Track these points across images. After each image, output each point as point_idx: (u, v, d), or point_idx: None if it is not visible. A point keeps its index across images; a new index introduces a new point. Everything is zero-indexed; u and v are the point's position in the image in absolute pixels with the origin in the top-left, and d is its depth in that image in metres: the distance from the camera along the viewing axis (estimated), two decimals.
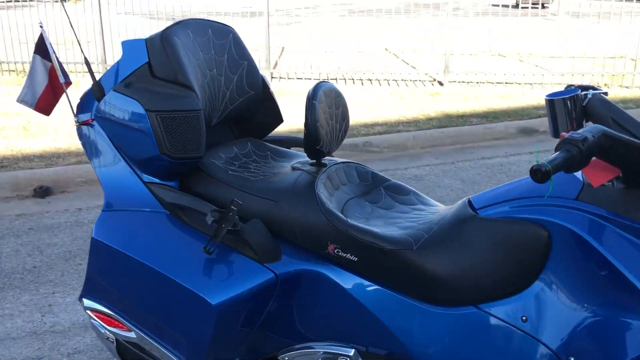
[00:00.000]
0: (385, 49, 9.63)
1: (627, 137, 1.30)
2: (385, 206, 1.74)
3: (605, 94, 1.61)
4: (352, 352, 1.60)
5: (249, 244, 1.56)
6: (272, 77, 7.74)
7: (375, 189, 1.81)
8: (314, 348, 1.65)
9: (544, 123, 5.51)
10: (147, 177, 1.70)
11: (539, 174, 1.13)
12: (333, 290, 1.59)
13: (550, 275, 1.42)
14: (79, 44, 1.92)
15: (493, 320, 1.45)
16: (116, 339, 1.82)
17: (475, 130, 5.56)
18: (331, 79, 7.76)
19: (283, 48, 9.30)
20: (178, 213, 1.65)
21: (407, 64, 8.68)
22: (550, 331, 1.40)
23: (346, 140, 5.51)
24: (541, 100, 6.02)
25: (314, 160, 1.74)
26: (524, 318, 1.42)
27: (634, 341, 1.25)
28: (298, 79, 7.80)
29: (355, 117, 5.36)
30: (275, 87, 7.46)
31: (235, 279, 1.55)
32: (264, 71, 7.64)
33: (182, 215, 1.65)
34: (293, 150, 2.00)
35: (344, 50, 8.90)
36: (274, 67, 8.04)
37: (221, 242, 1.57)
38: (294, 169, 1.75)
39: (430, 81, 7.73)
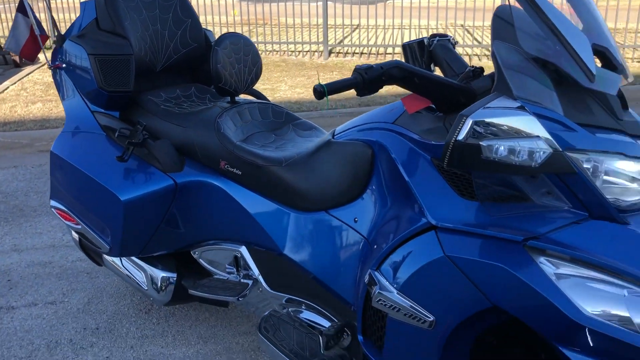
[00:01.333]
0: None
1: (422, 70, 1.58)
2: (287, 138, 2.10)
3: (450, 41, 1.88)
4: (242, 247, 2.01)
5: (155, 157, 2.00)
6: (330, 52, 8.10)
7: (285, 125, 2.17)
8: (219, 245, 2.08)
9: None
10: (93, 107, 2.19)
11: (316, 93, 1.48)
12: (224, 199, 2.00)
13: (374, 185, 1.74)
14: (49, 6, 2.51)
15: (335, 222, 1.79)
16: (79, 238, 2.35)
17: None
18: (387, 54, 8.00)
19: (344, 24, 9.61)
20: (109, 133, 2.13)
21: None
22: (368, 227, 1.73)
23: None
24: None
25: (229, 99, 2.15)
26: (356, 219, 1.75)
27: (405, 223, 1.58)
28: (355, 53, 8.13)
29: None
30: (331, 60, 7.84)
31: (142, 183, 2.00)
32: (322, 46, 8.04)
33: (111, 135, 2.12)
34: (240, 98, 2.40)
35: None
36: (335, 42, 8.41)
37: (137, 156, 2.03)
38: (213, 106, 2.17)
39: None
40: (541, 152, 1.40)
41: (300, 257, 1.86)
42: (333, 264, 1.80)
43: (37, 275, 2.86)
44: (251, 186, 1.95)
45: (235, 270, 2.08)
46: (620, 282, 1.32)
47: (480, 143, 1.38)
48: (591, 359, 1.30)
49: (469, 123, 1.37)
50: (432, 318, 1.49)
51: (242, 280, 2.06)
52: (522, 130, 1.38)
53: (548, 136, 1.38)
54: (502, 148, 1.40)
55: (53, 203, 2.27)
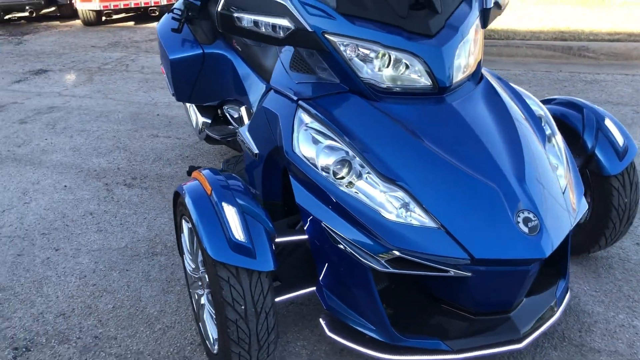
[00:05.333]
0: None
1: None
2: None
3: None
4: (243, 107, 3.11)
5: (194, 32, 3.20)
6: None
7: None
8: (231, 104, 3.33)
9: None
10: None
11: None
12: (232, 67, 3.18)
13: None
14: None
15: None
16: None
17: None
18: None
19: None
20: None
21: None
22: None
23: (559, 43, 6.50)
24: None
25: None
26: None
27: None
28: None
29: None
30: None
31: (183, 49, 3.18)
32: None
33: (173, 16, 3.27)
34: None
35: None
36: None
37: (190, 31, 3.25)
38: None
39: None
40: (284, 28, 1.87)
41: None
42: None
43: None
44: (245, 60, 3.12)
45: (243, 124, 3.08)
46: (327, 134, 1.92)
47: (233, 14, 1.87)
48: (297, 182, 1.96)
49: None
50: (256, 151, 2.26)
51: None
52: (271, 8, 1.85)
53: (297, 16, 1.85)
54: (247, 19, 1.87)
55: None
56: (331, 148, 1.92)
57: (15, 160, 4.15)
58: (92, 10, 9.36)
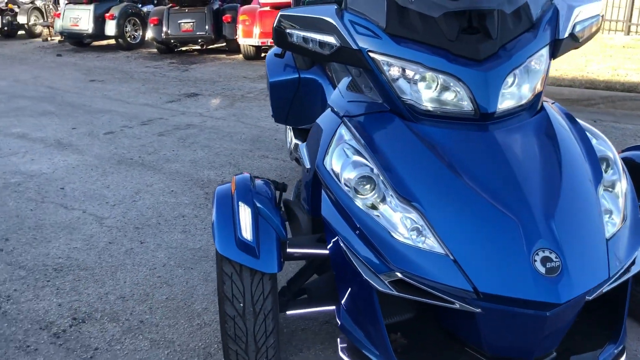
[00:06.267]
0: None
1: None
2: None
3: None
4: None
5: (295, 58, 3.41)
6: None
7: None
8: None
9: None
10: None
11: None
12: (322, 92, 3.29)
13: None
14: None
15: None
16: None
17: None
18: None
19: None
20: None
21: None
22: None
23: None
24: None
25: None
26: None
27: None
28: None
29: None
30: None
31: (283, 73, 3.40)
32: None
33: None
34: None
35: None
36: None
37: (292, 57, 3.42)
38: None
39: None
40: (330, 45, 1.91)
41: None
42: None
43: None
44: (334, 86, 3.06)
45: None
46: (359, 150, 1.91)
47: (285, 30, 1.94)
48: (325, 196, 1.97)
49: (278, 15, 1.95)
50: (308, 166, 2.21)
51: None
52: (320, 26, 1.90)
53: (343, 34, 1.87)
54: (297, 35, 1.93)
55: None
56: (357, 164, 1.92)
57: (142, 165, 4.63)
58: (252, 46, 10.18)
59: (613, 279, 1.74)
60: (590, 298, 1.74)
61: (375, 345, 1.86)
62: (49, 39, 13.88)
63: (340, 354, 1.96)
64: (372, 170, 1.88)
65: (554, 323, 1.70)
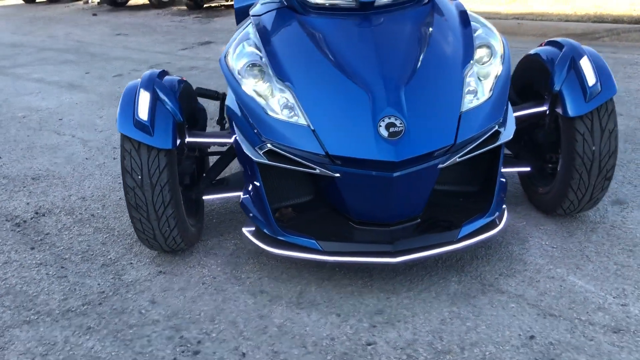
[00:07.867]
0: None
1: None
2: None
3: None
4: None
5: None
6: None
7: None
8: None
9: None
10: None
11: None
12: None
13: None
14: None
15: None
16: None
17: None
18: None
19: None
20: None
21: None
22: None
23: None
24: None
25: None
26: None
27: None
28: None
29: None
30: None
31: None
32: None
33: None
34: None
35: None
36: None
37: None
38: None
39: None
40: None
41: None
42: None
43: None
44: None
45: None
46: (255, 42, 2.16)
47: None
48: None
49: None
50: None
51: None
52: None
53: None
54: None
55: None
56: (249, 54, 2.12)
57: None
58: None
59: (463, 148, 1.88)
60: (443, 166, 1.89)
61: (261, 215, 2.08)
62: (89, 1, 14.41)
63: (243, 229, 2.19)
64: (261, 58, 2.08)
65: (403, 185, 1.87)
